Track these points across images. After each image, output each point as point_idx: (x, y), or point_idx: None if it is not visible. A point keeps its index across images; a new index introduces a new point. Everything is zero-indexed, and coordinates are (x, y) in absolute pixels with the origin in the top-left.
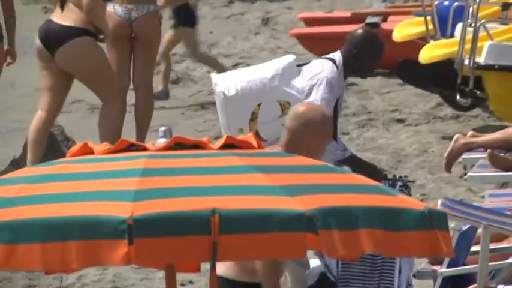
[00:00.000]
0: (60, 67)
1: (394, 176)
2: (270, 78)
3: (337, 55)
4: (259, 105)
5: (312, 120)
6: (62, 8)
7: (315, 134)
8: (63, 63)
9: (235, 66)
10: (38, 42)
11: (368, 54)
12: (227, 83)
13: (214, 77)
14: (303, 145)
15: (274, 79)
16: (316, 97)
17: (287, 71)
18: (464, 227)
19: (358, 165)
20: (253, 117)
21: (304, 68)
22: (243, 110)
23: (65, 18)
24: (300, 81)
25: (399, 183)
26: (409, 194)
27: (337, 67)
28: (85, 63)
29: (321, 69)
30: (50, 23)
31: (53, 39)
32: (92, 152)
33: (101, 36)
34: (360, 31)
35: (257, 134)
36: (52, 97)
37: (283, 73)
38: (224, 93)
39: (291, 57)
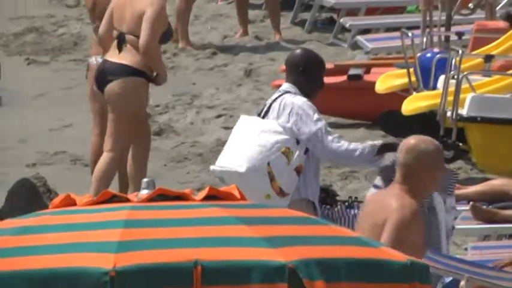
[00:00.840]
0: (106, 100)
1: (350, 197)
2: (258, 139)
3: (285, 85)
4: (268, 164)
5: (425, 152)
6: (120, 49)
7: (430, 165)
8: (109, 96)
9: (218, 117)
10: (94, 87)
11: (313, 67)
12: (233, 164)
13: (212, 167)
14: (420, 177)
15: (261, 137)
16: (312, 129)
17: (264, 125)
18: (447, 280)
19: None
20: (271, 177)
21: (272, 114)
22: (260, 176)
23: (121, 58)
24: (282, 123)
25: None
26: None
27: (295, 93)
28: (131, 102)
29: (291, 106)
30: (105, 62)
31: (107, 74)
32: (74, 204)
33: (154, 75)
34: (297, 51)
35: (281, 191)
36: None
37: (263, 129)
38: (237, 172)
39: (249, 118)
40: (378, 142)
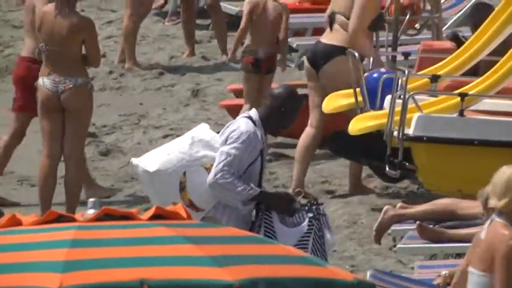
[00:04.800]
0: (323, 84)
1: (309, 201)
2: (188, 146)
3: (253, 113)
4: (184, 173)
5: None
6: (331, 28)
7: None
8: (325, 80)
9: (165, 137)
10: (306, 62)
11: (295, 110)
12: (147, 161)
13: (134, 160)
14: None
15: (192, 146)
16: (224, 149)
17: (203, 135)
18: None
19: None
20: (182, 187)
21: (222, 130)
22: (170, 182)
23: (331, 38)
24: (220, 142)
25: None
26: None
27: (253, 122)
28: (344, 81)
29: (236, 126)
30: (318, 44)
31: (319, 57)
32: (20, 224)
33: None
34: (283, 89)
35: (191, 204)
36: (321, 114)
37: (200, 139)
38: (147, 171)
39: (203, 125)
40: (256, 190)
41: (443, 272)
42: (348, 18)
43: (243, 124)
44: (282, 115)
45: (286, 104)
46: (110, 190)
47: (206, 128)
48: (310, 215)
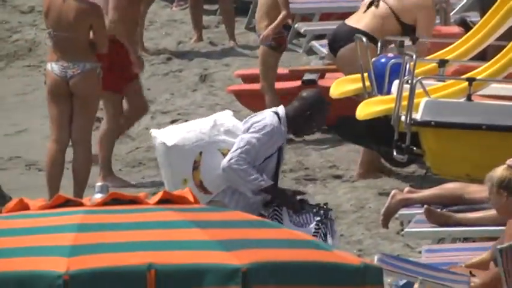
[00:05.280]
0: (339, 68)
1: (318, 204)
2: (209, 128)
3: (280, 109)
4: (200, 153)
5: None
6: (368, 8)
7: None
8: (341, 63)
9: (173, 122)
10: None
11: (323, 115)
12: (166, 135)
13: (154, 131)
14: None
15: (213, 129)
16: (245, 136)
17: (225, 121)
18: (401, 282)
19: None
20: (196, 166)
21: (246, 118)
22: (185, 158)
23: (358, 21)
24: (242, 130)
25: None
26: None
27: (279, 118)
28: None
29: (262, 117)
30: (342, 26)
31: (339, 39)
32: (27, 208)
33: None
34: (312, 93)
35: (201, 184)
36: None
37: (222, 123)
38: (165, 144)
39: (228, 113)
40: (268, 182)
41: (461, 264)
42: (395, 12)
43: (268, 117)
44: (307, 118)
45: (313, 109)
46: (126, 182)
47: (230, 114)
48: (318, 218)
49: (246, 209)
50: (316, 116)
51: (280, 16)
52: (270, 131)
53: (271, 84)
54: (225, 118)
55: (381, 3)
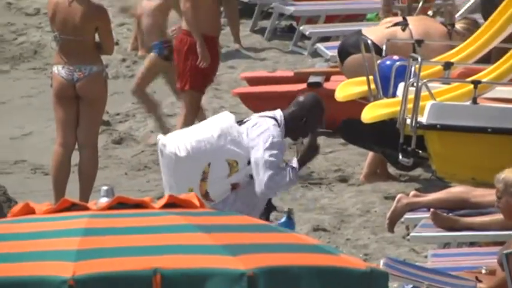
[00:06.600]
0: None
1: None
2: (216, 138)
3: (278, 114)
4: (209, 165)
5: None
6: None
7: None
8: (346, 70)
9: None
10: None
11: (318, 120)
12: (177, 144)
13: (162, 138)
14: None
15: (220, 138)
16: (264, 156)
17: (231, 130)
18: (407, 287)
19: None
20: (204, 177)
21: (247, 125)
22: (194, 169)
23: (372, 33)
24: (246, 140)
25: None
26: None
27: (278, 125)
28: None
29: (266, 127)
30: (356, 34)
31: (348, 47)
32: (33, 212)
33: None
34: (309, 97)
35: (206, 194)
36: None
37: (228, 132)
38: (176, 154)
39: (229, 115)
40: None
41: (483, 271)
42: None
43: (271, 128)
44: (303, 124)
45: (309, 115)
46: None
47: (231, 119)
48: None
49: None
50: (312, 122)
51: None
52: (278, 144)
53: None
54: (229, 125)
55: (408, 29)
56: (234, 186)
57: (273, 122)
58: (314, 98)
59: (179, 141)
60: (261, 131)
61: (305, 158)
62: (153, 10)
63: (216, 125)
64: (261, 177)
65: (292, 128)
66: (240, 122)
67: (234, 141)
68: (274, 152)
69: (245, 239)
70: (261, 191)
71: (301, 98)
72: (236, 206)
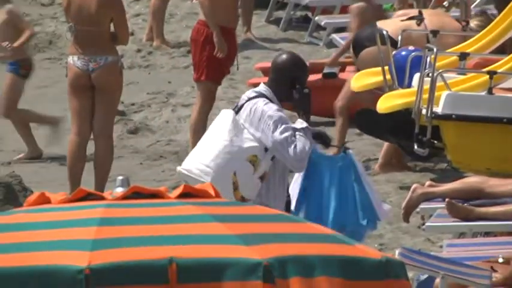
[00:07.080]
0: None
1: (343, 144)
2: (229, 144)
3: (262, 89)
4: (234, 173)
5: None
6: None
7: None
8: (360, 63)
9: None
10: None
11: (302, 73)
12: (198, 170)
13: (182, 170)
14: None
15: (233, 143)
16: (276, 138)
17: (236, 128)
18: (423, 277)
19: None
20: (235, 187)
21: (243, 117)
22: (224, 186)
23: (388, 25)
24: (252, 130)
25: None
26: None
27: (270, 100)
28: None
29: (260, 111)
30: (371, 27)
31: (364, 40)
32: (49, 202)
33: None
34: (284, 57)
35: (242, 198)
36: None
37: (236, 132)
38: (204, 182)
39: (228, 113)
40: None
41: (500, 260)
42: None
43: (265, 108)
44: (291, 85)
45: (292, 74)
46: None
47: (231, 115)
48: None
49: (281, 201)
50: (299, 77)
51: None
52: (277, 117)
53: None
54: (234, 125)
55: (423, 24)
56: (263, 177)
57: (262, 100)
58: (288, 56)
59: (198, 165)
60: (258, 117)
61: (305, 108)
62: None
63: (222, 130)
64: (287, 157)
65: (284, 93)
66: (237, 111)
67: (244, 137)
68: (281, 128)
69: (260, 228)
70: (295, 167)
71: (277, 63)
72: (267, 194)
